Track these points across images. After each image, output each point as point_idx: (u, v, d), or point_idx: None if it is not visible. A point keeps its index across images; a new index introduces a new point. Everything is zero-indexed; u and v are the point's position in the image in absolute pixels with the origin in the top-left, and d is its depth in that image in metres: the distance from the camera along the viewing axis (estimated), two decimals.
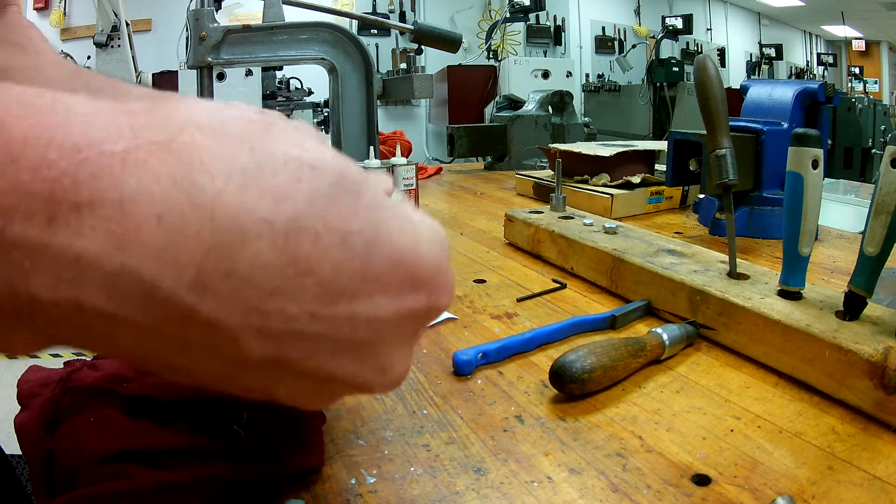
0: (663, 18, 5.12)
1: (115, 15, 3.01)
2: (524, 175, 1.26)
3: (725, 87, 0.64)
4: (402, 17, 5.29)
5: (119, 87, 0.43)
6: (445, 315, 0.59)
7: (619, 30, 6.37)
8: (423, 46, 1.41)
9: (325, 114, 3.77)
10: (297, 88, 3.83)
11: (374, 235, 0.20)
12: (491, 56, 4.23)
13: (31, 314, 0.16)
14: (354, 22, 3.75)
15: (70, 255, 0.16)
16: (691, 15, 5.10)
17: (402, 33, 4.33)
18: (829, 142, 0.91)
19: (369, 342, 0.21)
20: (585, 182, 1.09)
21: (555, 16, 5.86)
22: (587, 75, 6.03)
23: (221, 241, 0.17)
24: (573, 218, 0.79)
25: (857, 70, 6.47)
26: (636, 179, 1.04)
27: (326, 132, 3.76)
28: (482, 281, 0.70)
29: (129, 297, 0.16)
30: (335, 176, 0.20)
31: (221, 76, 2.95)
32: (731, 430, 0.39)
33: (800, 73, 7.52)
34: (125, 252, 0.16)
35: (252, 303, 0.18)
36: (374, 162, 0.87)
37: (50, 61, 0.45)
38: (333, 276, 0.19)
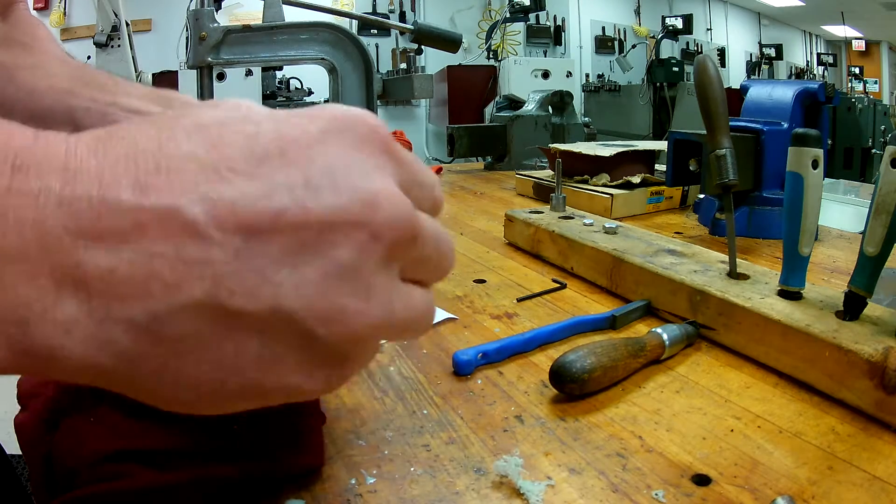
0: (663, 18, 5.12)
1: (115, 15, 3.01)
2: (524, 175, 1.26)
3: (725, 87, 0.64)
4: (402, 17, 5.29)
5: (120, 87, 0.43)
6: (445, 315, 0.59)
7: (619, 30, 6.37)
8: (423, 46, 1.41)
9: None
10: (297, 88, 3.83)
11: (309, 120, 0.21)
12: (491, 56, 4.23)
13: None
14: (354, 22, 3.75)
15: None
16: (691, 15, 5.10)
17: (402, 33, 4.33)
18: (829, 142, 0.91)
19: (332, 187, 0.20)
20: (585, 182, 1.09)
21: (555, 16, 5.86)
22: (587, 75, 6.03)
23: (146, 149, 0.18)
24: (573, 218, 0.79)
25: (857, 70, 6.47)
26: (636, 179, 1.04)
27: None
28: (482, 281, 0.70)
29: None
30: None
31: (221, 76, 2.95)
32: (731, 430, 0.39)
33: (800, 73, 7.52)
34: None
35: (191, 181, 0.18)
36: None
37: (55, 59, 0.45)
38: (251, 141, 0.20)
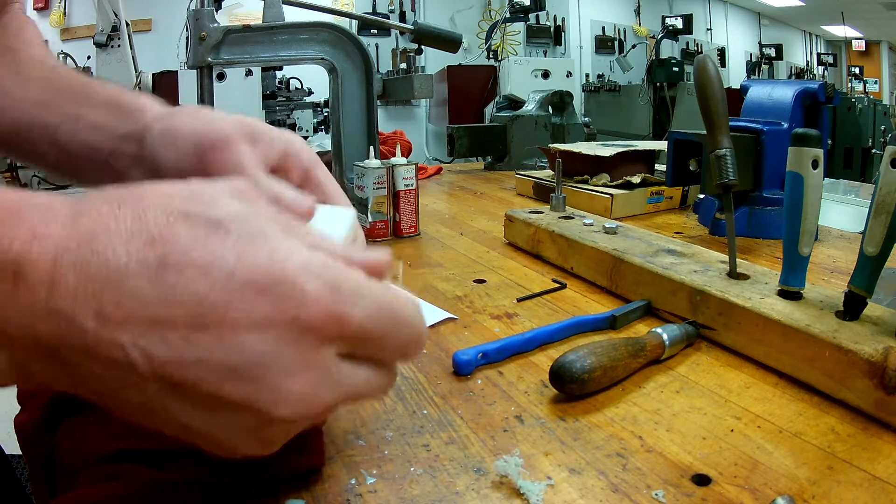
0: (663, 18, 5.12)
1: (115, 15, 3.01)
2: (524, 175, 1.26)
3: (725, 87, 0.64)
4: (402, 17, 5.28)
5: (87, 93, 0.42)
6: (445, 315, 0.59)
7: (619, 30, 6.37)
8: (423, 46, 1.41)
9: (325, 114, 3.77)
10: (297, 88, 3.83)
11: (235, 265, 0.22)
12: (491, 56, 4.23)
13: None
14: (354, 22, 3.75)
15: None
16: (691, 15, 5.10)
17: (402, 33, 4.34)
18: (829, 142, 0.91)
19: (250, 365, 0.22)
20: (585, 182, 1.09)
21: (555, 16, 5.85)
22: (587, 75, 6.02)
23: (112, 279, 0.22)
24: (573, 218, 0.79)
25: (857, 70, 6.46)
26: (636, 179, 1.04)
27: (326, 132, 3.76)
28: (482, 281, 0.70)
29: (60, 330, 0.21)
30: (205, 220, 0.23)
31: (221, 76, 2.95)
32: (731, 430, 0.39)
33: (800, 73, 7.52)
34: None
35: (139, 329, 0.22)
36: (373, 162, 0.87)
37: (36, 63, 0.44)
38: (198, 305, 0.22)
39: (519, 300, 0.64)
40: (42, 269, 0.21)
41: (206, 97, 0.90)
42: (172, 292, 0.22)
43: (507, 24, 4.23)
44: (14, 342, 0.22)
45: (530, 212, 0.83)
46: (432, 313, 0.60)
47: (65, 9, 4.37)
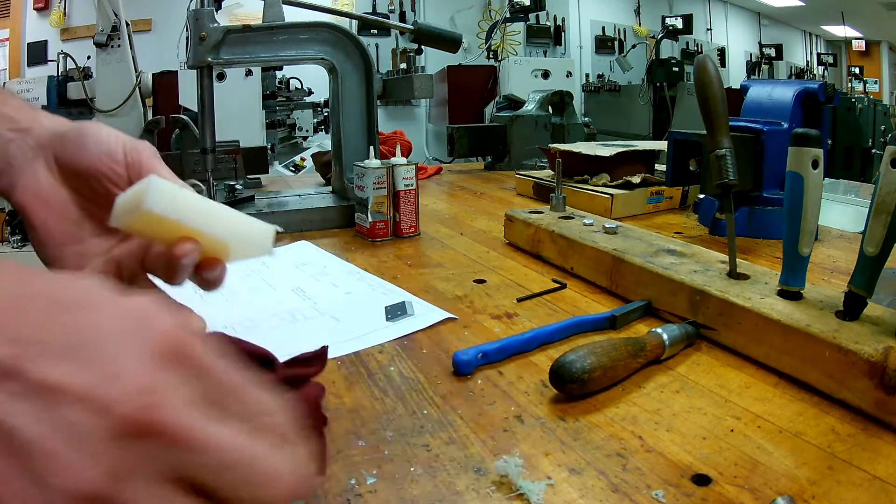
0: (663, 18, 5.11)
1: (115, 15, 3.00)
2: (524, 175, 1.26)
3: (725, 87, 0.64)
4: (402, 17, 5.28)
5: None
6: (445, 315, 0.59)
7: (619, 30, 6.37)
8: (423, 46, 1.41)
9: (325, 114, 3.77)
10: (297, 88, 3.83)
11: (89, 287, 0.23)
12: (491, 56, 4.22)
13: None
14: (354, 22, 3.75)
15: None
16: (691, 15, 5.09)
17: (402, 33, 4.33)
18: (829, 142, 0.91)
19: (84, 344, 0.21)
20: (585, 182, 1.09)
21: (555, 16, 5.85)
22: (587, 75, 6.02)
23: None
24: (573, 218, 0.79)
25: (857, 70, 6.46)
26: (636, 179, 1.04)
27: (326, 132, 3.76)
28: (482, 281, 0.70)
29: None
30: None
31: (221, 76, 2.95)
32: (731, 430, 0.39)
33: (800, 73, 7.51)
34: None
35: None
36: (373, 162, 0.87)
37: None
38: (53, 299, 0.22)
39: (519, 300, 0.64)
40: None
41: (206, 97, 0.90)
42: (28, 291, 0.22)
43: (507, 24, 4.22)
44: None
45: (530, 212, 0.83)
46: (432, 313, 0.60)
47: (65, 9, 4.37)
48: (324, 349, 0.43)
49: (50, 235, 0.42)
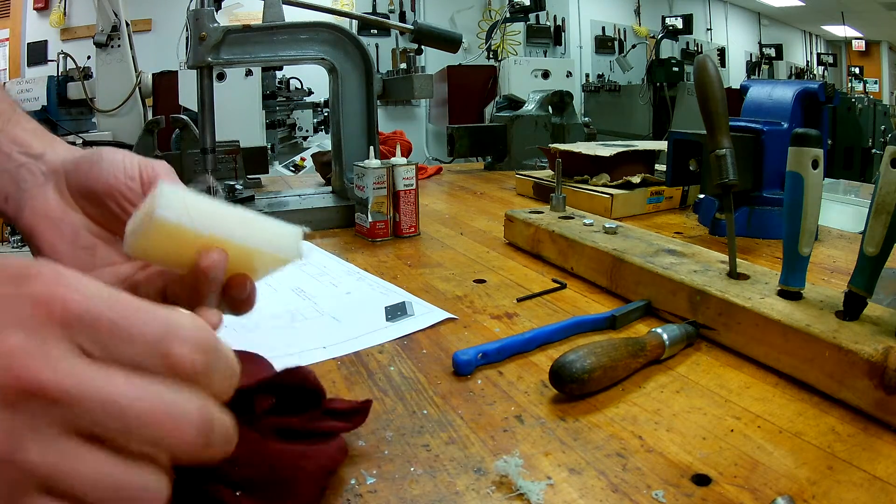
0: (663, 18, 5.11)
1: (115, 15, 3.01)
2: (524, 175, 1.26)
3: (725, 87, 0.64)
4: (402, 17, 5.28)
5: (9, 122, 0.43)
6: (445, 315, 0.59)
7: (619, 30, 6.37)
8: (423, 46, 1.41)
9: (325, 114, 3.77)
10: (297, 88, 3.83)
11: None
12: (491, 56, 4.22)
13: None
14: (354, 22, 3.75)
15: None
16: (691, 15, 5.09)
17: (402, 33, 4.33)
18: (829, 142, 0.91)
19: None
20: (585, 182, 1.09)
21: (555, 16, 5.85)
22: (587, 75, 6.02)
23: None
24: (573, 218, 0.79)
25: (857, 70, 6.46)
26: (636, 179, 1.04)
27: (326, 132, 3.76)
28: (482, 281, 0.70)
29: None
30: None
31: (221, 76, 2.94)
32: (731, 430, 0.39)
33: (800, 73, 7.51)
34: None
35: None
36: (373, 162, 0.87)
37: None
38: None
39: (519, 300, 0.64)
40: None
41: (206, 97, 0.90)
42: None
43: (507, 24, 4.22)
44: None
45: (530, 212, 0.83)
46: (432, 313, 0.60)
47: (65, 9, 4.37)
48: (367, 403, 0.37)
49: (58, 260, 0.39)
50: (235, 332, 0.55)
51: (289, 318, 0.60)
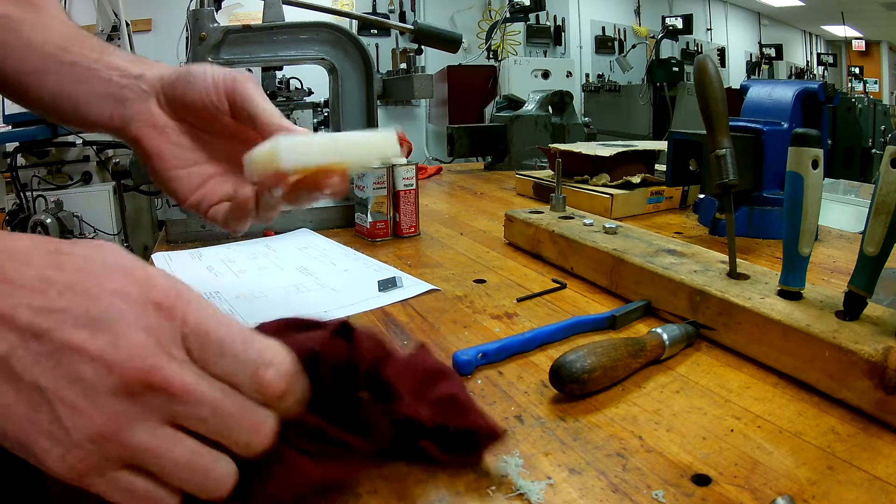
0: (663, 18, 5.11)
1: (115, 15, 3.00)
2: (524, 175, 1.26)
3: (725, 87, 0.64)
4: (402, 17, 5.29)
5: (107, 49, 0.49)
6: (429, 286, 0.65)
7: (619, 30, 6.37)
8: (423, 46, 1.41)
9: (325, 114, 3.76)
10: (297, 88, 3.82)
11: (107, 257, 0.28)
12: (491, 56, 4.22)
13: None
14: (354, 22, 3.75)
15: None
16: (691, 15, 5.09)
17: (402, 33, 4.33)
18: (829, 142, 0.91)
19: (105, 317, 0.26)
20: (585, 182, 1.09)
21: (555, 16, 5.85)
22: (587, 75, 6.03)
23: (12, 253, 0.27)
24: (573, 218, 0.79)
25: (857, 70, 6.46)
26: (636, 179, 1.04)
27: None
28: (482, 281, 0.70)
29: None
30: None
31: None
32: (731, 430, 0.39)
33: (800, 73, 7.52)
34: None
35: (24, 291, 0.26)
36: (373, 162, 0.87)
37: (57, 20, 0.50)
38: (77, 272, 0.27)
39: (519, 300, 0.64)
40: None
41: None
42: (59, 263, 0.27)
43: (507, 24, 4.22)
44: None
45: (530, 212, 0.83)
46: (418, 285, 0.67)
47: (65, 9, 4.37)
48: (495, 432, 0.36)
49: (164, 160, 0.48)
50: (247, 301, 0.64)
51: (294, 290, 0.68)
